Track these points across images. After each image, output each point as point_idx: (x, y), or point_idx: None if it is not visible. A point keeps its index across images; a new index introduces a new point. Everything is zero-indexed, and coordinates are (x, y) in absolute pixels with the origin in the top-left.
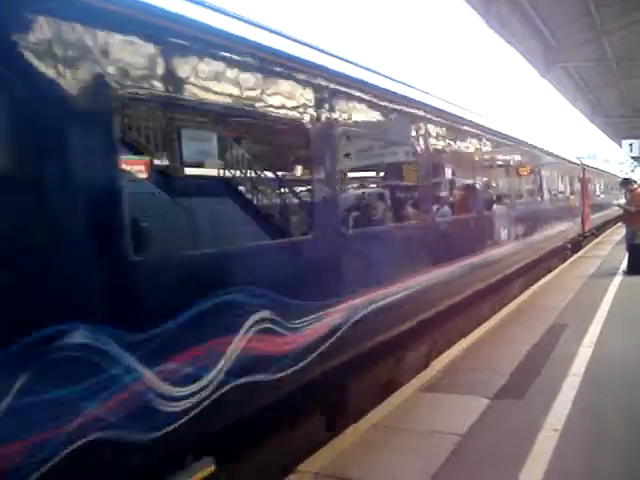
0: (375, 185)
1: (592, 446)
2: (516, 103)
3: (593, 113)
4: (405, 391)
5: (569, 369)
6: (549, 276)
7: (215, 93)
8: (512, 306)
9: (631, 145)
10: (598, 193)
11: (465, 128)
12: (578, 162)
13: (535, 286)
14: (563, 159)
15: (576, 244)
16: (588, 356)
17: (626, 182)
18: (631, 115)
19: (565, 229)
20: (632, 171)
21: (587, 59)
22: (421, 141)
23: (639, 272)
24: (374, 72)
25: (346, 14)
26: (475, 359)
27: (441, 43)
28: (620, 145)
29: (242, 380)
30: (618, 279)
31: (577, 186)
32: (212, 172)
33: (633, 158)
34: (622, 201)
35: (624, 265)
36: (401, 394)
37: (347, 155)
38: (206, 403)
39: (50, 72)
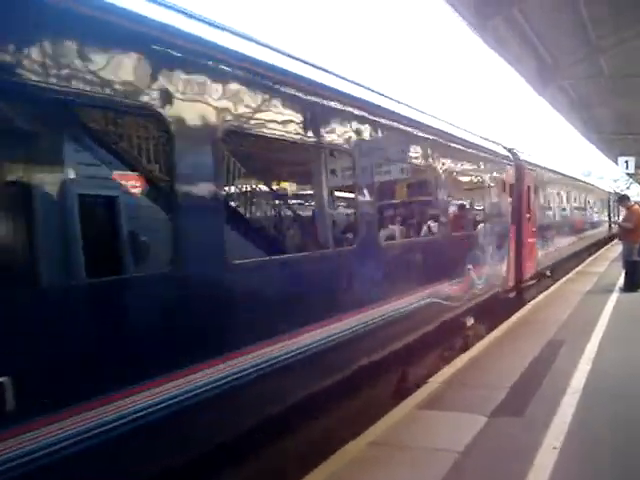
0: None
1: (592, 464)
2: (515, 120)
3: (588, 130)
4: (403, 408)
5: (568, 385)
6: (550, 289)
7: None
8: (512, 320)
9: (627, 162)
10: (563, 210)
11: None
12: (505, 153)
13: (534, 301)
14: (453, 141)
15: (503, 302)
16: (586, 372)
17: (623, 199)
18: (626, 132)
19: (455, 292)
20: (627, 188)
21: (583, 76)
22: None
23: (636, 289)
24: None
25: (343, 31)
26: (474, 375)
27: (439, 59)
28: (616, 162)
29: None
30: (615, 296)
31: (501, 199)
32: None
33: (629, 175)
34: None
35: (621, 282)
36: (399, 411)
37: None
38: None
39: None
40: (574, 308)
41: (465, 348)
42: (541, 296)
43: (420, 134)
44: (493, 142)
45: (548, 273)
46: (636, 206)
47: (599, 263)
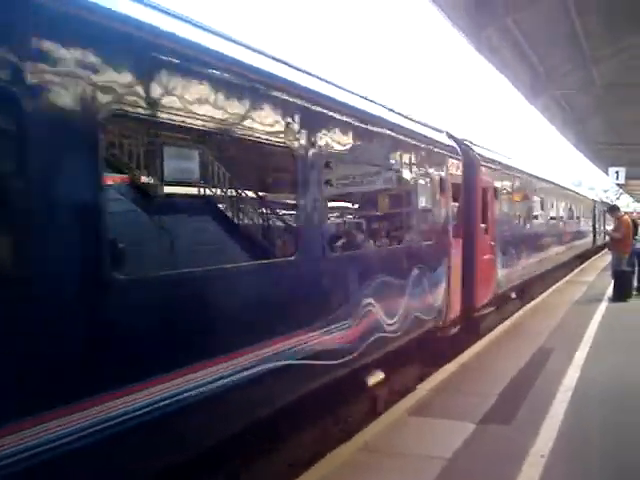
0: None
1: (579, 473)
2: (507, 129)
3: (580, 140)
4: (393, 414)
5: (556, 393)
6: (537, 300)
7: None
8: (501, 328)
9: (617, 173)
10: (537, 219)
11: None
12: (449, 143)
13: (522, 310)
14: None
15: (440, 341)
16: (575, 380)
17: (613, 209)
18: (617, 143)
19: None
20: (617, 198)
21: (575, 87)
22: None
23: (625, 299)
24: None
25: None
26: (463, 382)
27: (434, 68)
28: (607, 173)
29: None
30: (604, 306)
31: (436, 204)
32: None
33: (619, 185)
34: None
35: (610, 291)
36: (389, 417)
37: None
38: None
39: None
40: (563, 317)
41: (374, 412)
42: (530, 305)
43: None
44: (426, 125)
45: (513, 295)
46: (626, 216)
47: (588, 272)
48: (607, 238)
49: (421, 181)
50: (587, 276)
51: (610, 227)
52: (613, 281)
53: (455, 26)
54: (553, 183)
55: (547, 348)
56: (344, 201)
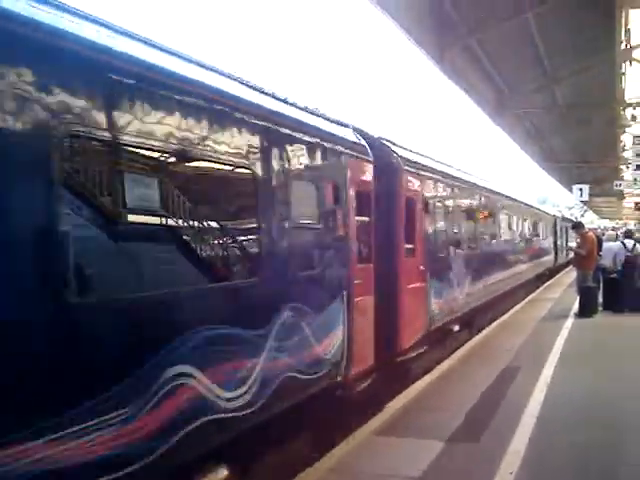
0: None
1: None
2: (470, 147)
3: (544, 159)
4: (360, 434)
5: (524, 410)
6: (505, 317)
7: None
8: (467, 347)
9: (581, 190)
10: (486, 238)
11: None
12: (354, 140)
13: (489, 328)
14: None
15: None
16: (542, 397)
17: (577, 226)
18: (581, 161)
19: None
20: (582, 215)
21: (538, 106)
22: None
23: (590, 315)
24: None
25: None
26: (430, 401)
27: (394, 88)
28: (571, 190)
29: None
30: (570, 322)
31: (331, 220)
32: None
33: (583, 202)
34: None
35: (576, 307)
36: (355, 437)
37: None
38: None
39: None
40: (529, 335)
41: None
42: (495, 323)
43: None
44: (322, 117)
45: (456, 328)
46: (590, 233)
47: (554, 289)
48: (569, 256)
49: (295, 186)
50: (553, 293)
51: (573, 244)
52: (579, 297)
53: (419, 46)
54: (507, 197)
55: (514, 366)
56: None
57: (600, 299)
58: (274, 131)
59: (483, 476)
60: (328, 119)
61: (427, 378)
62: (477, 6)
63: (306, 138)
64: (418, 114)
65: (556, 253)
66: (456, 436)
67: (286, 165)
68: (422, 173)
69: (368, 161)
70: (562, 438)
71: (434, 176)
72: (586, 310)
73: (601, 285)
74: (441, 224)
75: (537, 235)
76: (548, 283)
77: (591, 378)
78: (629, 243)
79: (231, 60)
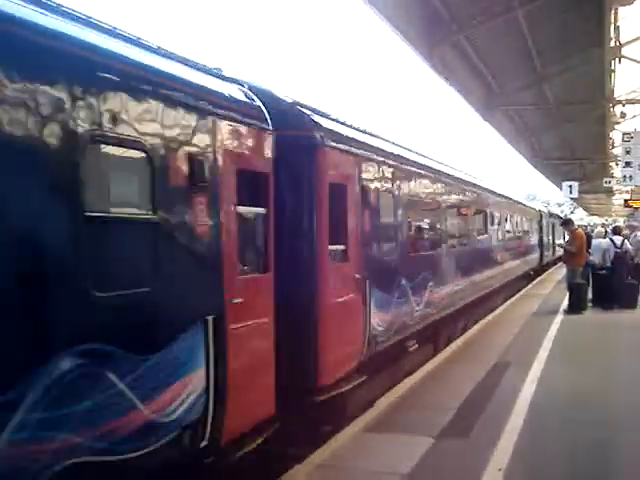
0: None
1: None
2: (460, 143)
3: (534, 155)
4: (350, 431)
5: (513, 406)
6: (495, 313)
7: None
8: (458, 342)
9: (570, 187)
10: (452, 235)
11: None
12: (241, 99)
13: (479, 324)
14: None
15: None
16: (531, 393)
17: (567, 223)
18: (570, 158)
19: None
20: (572, 212)
21: (528, 103)
22: None
23: (580, 311)
24: None
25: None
26: (420, 397)
27: (385, 82)
28: (560, 187)
29: None
30: (559, 318)
31: (193, 216)
32: None
33: (572, 199)
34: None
35: (565, 304)
36: (346, 434)
37: None
38: None
39: None
40: (519, 330)
41: None
42: (485, 319)
43: None
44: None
45: (413, 346)
46: (579, 230)
47: (544, 286)
48: (556, 254)
49: (101, 157)
50: (543, 289)
51: (560, 241)
52: (568, 294)
53: (408, 42)
54: (481, 187)
55: (504, 362)
56: None
57: (589, 295)
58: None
59: (472, 472)
60: (201, 69)
61: (416, 376)
62: (466, 3)
63: (132, 83)
64: (409, 111)
65: (542, 251)
66: (446, 431)
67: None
68: (361, 153)
69: (263, 130)
70: (550, 434)
71: (381, 158)
72: (576, 306)
73: (590, 281)
74: (392, 219)
75: (519, 232)
76: (537, 279)
77: (580, 374)
78: (617, 240)
79: (226, 57)
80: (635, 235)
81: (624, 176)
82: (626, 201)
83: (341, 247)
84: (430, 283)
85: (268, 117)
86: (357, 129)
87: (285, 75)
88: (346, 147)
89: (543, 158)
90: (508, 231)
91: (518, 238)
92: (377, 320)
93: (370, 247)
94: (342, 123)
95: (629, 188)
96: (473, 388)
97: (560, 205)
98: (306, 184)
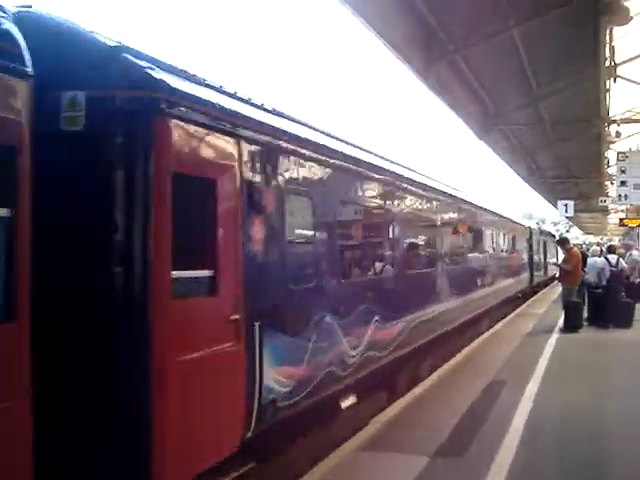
0: None
1: None
2: (456, 162)
3: (530, 174)
4: (344, 450)
5: (509, 425)
6: (490, 332)
7: None
8: (454, 361)
9: (566, 205)
10: (423, 251)
11: None
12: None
13: (476, 342)
14: None
15: None
16: (527, 412)
17: (563, 242)
18: (566, 177)
19: None
20: (567, 231)
21: (523, 122)
22: None
23: (575, 330)
24: None
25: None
26: (415, 416)
27: (380, 99)
28: (556, 206)
29: None
30: (555, 337)
31: None
32: None
33: (568, 218)
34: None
35: (561, 323)
36: (340, 453)
37: None
38: None
39: None
40: (515, 350)
41: None
42: (481, 338)
43: None
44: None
45: (348, 400)
46: (575, 249)
47: (539, 305)
48: (548, 274)
49: None
50: (538, 308)
51: (553, 260)
52: (564, 312)
53: (404, 60)
54: (455, 198)
55: (499, 381)
56: None
57: (585, 314)
58: None
59: None
60: None
61: (410, 395)
62: (463, 23)
63: None
64: (407, 129)
65: (531, 272)
66: (441, 451)
67: None
68: (251, 136)
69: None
70: (546, 453)
71: (293, 147)
72: (571, 325)
73: (586, 300)
74: (309, 231)
75: (504, 250)
76: (532, 299)
77: (576, 393)
78: (612, 258)
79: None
80: (630, 254)
81: (619, 195)
82: (621, 220)
83: (201, 273)
84: (376, 317)
85: (25, 55)
86: (248, 102)
87: (289, 93)
88: (218, 123)
89: (539, 177)
90: (492, 250)
91: (503, 257)
92: (277, 378)
93: (263, 272)
94: (217, 89)
95: (624, 207)
96: (469, 407)
97: (556, 224)
98: (124, 172)
